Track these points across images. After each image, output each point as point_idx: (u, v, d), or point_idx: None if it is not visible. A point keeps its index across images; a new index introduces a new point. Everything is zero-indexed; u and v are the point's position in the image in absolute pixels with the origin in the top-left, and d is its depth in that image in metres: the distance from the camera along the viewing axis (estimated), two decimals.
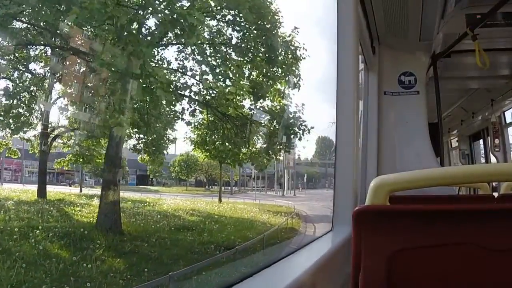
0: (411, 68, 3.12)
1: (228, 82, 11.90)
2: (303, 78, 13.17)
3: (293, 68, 13.08)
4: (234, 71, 11.82)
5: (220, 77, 11.79)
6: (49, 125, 13.21)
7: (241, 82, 12.01)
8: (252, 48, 12.37)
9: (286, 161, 25.91)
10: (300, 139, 13.54)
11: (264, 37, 12.06)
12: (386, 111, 3.09)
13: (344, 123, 1.89)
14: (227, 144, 13.57)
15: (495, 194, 2.05)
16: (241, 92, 11.89)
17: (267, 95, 13.04)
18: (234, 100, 11.94)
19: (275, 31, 12.44)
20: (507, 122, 5.24)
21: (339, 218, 1.81)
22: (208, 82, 11.57)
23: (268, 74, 12.78)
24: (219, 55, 11.90)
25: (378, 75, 3.12)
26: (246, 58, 12.32)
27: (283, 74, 13.05)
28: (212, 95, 12.10)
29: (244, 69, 12.43)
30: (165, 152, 14.60)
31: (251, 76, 12.75)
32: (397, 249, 0.92)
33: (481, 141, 6.07)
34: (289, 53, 13.02)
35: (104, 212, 10.24)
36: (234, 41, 12.39)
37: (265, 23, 12.06)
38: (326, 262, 1.33)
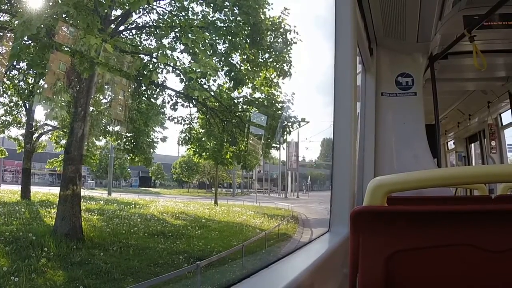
0: (409, 70, 3.13)
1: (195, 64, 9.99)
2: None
3: (283, 54, 11.60)
4: (200, 45, 9.93)
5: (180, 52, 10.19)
6: (33, 123, 12.30)
7: (208, 60, 9.91)
8: (227, 21, 10.69)
9: (289, 163, 25.83)
10: (289, 133, 12.49)
11: (245, 15, 10.49)
12: (384, 112, 3.09)
13: (342, 124, 1.90)
14: (214, 141, 12.56)
15: (492, 196, 2.06)
16: (208, 72, 9.86)
17: (252, 82, 11.61)
18: (198, 80, 10.23)
19: (260, 10, 10.88)
20: (503, 124, 5.27)
21: (336, 218, 1.81)
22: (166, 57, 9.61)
23: (252, 58, 11.27)
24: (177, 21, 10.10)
25: (375, 76, 3.12)
26: (219, 33, 10.54)
27: (270, 59, 11.59)
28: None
29: (216, 45, 10.77)
30: (152, 151, 13.60)
31: (229, 58, 11.05)
32: (395, 250, 0.91)
33: (477, 143, 6.10)
34: (278, 35, 11.54)
35: (61, 215, 9.16)
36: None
37: None
38: (323, 263, 1.33)
